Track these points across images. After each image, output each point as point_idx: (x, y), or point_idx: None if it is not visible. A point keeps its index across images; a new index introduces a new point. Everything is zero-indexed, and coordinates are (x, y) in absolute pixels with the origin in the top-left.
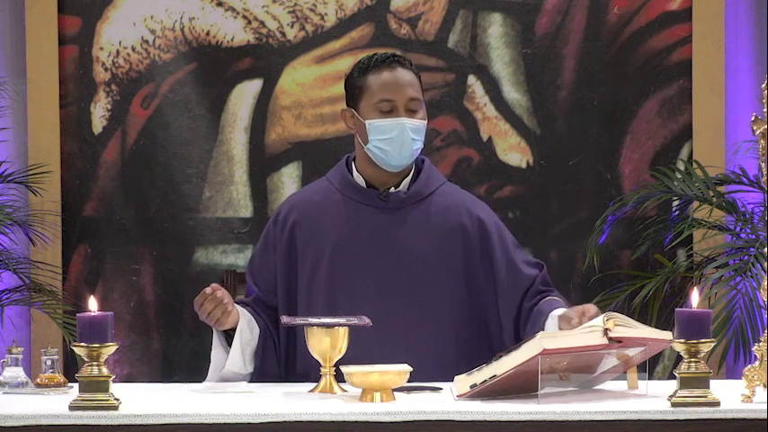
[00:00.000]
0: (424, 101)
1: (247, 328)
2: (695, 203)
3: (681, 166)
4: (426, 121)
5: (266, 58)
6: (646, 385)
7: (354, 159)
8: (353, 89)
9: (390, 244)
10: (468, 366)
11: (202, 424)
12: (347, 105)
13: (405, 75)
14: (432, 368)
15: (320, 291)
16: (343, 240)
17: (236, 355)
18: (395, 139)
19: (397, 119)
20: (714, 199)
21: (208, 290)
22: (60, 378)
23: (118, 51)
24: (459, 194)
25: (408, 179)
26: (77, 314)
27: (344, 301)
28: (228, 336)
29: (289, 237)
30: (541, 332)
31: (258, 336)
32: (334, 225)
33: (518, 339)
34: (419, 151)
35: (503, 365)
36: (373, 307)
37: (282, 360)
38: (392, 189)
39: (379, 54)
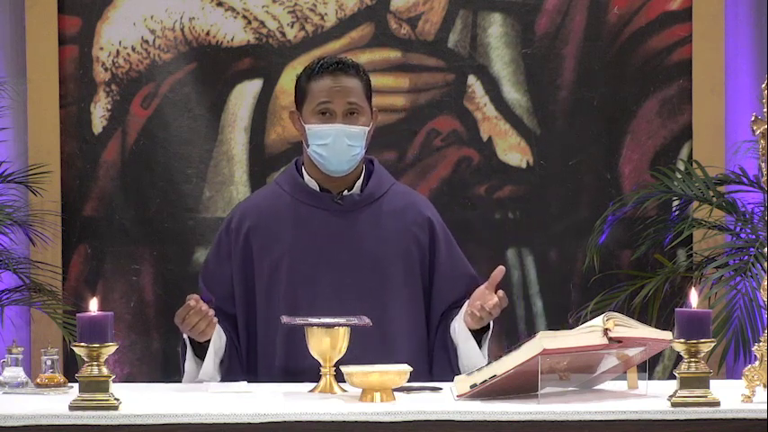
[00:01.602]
0: (370, 107)
1: (218, 337)
2: (695, 203)
3: (681, 166)
4: (369, 127)
5: (266, 58)
6: (646, 385)
7: (304, 164)
8: (298, 92)
9: (347, 245)
10: (417, 366)
11: (202, 424)
12: (296, 108)
13: (347, 81)
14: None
15: (280, 295)
16: (300, 244)
17: (209, 365)
18: (331, 145)
19: (332, 124)
20: (714, 199)
21: (192, 302)
22: (60, 378)
23: (118, 51)
24: (410, 195)
25: (360, 181)
26: (77, 314)
27: (306, 305)
28: (196, 345)
29: (243, 244)
30: (541, 332)
31: (225, 343)
32: (290, 230)
33: (431, 335)
34: (359, 157)
35: (503, 365)
36: (335, 309)
37: (245, 365)
38: (345, 191)
39: (325, 58)
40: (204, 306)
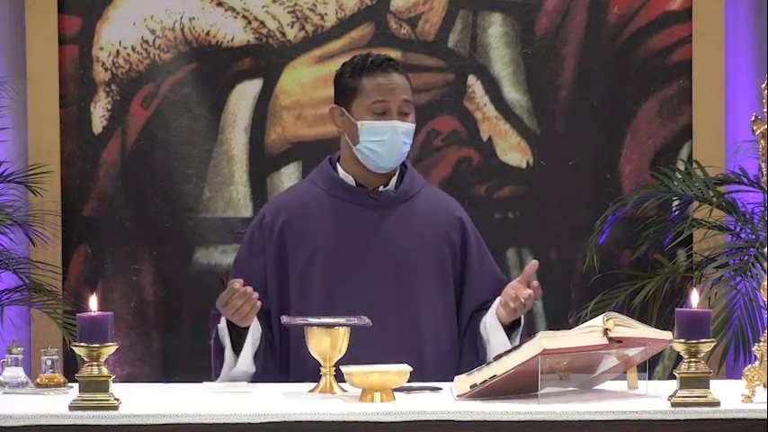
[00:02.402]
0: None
1: (255, 327)
2: (695, 203)
3: (681, 166)
4: (415, 125)
5: (266, 58)
6: (646, 385)
7: (339, 159)
8: (345, 89)
9: (382, 241)
10: (446, 363)
11: (202, 424)
12: (336, 103)
13: (399, 79)
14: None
15: (315, 290)
16: (334, 239)
17: (247, 355)
18: (387, 142)
19: (390, 121)
20: (714, 199)
21: (236, 285)
22: (60, 378)
23: (118, 51)
24: (442, 196)
25: (395, 179)
26: (77, 314)
27: (341, 299)
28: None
29: (278, 239)
30: (541, 332)
31: (260, 335)
32: (324, 224)
33: (460, 334)
34: (407, 154)
35: (503, 365)
36: (368, 304)
37: (278, 362)
38: (381, 188)
39: (373, 56)
40: (249, 289)
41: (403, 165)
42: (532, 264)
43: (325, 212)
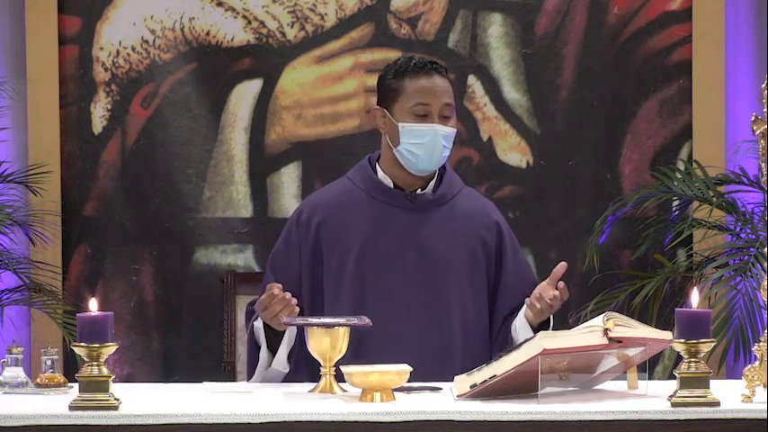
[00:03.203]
0: (455, 108)
1: (291, 328)
2: (695, 203)
3: (681, 166)
4: (456, 130)
5: (266, 58)
6: (646, 385)
7: (378, 159)
8: (388, 90)
9: (417, 244)
10: (477, 366)
11: (202, 424)
12: (378, 104)
13: (441, 82)
14: (437, 365)
15: (348, 289)
16: (370, 239)
17: (282, 354)
18: (427, 144)
19: (431, 125)
20: (714, 199)
21: (276, 291)
22: (60, 378)
23: (118, 51)
24: (479, 199)
25: (433, 182)
26: (77, 314)
27: (374, 300)
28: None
29: (315, 237)
30: (541, 332)
31: (295, 335)
32: (361, 224)
33: (494, 337)
34: (447, 158)
35: (503, 365)
36: (400, 306)
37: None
38: (418, 190)
39: (417, 58)
40: (288, 294)
41: (442, 167)
42: (561, 266)
43: (362, 212)
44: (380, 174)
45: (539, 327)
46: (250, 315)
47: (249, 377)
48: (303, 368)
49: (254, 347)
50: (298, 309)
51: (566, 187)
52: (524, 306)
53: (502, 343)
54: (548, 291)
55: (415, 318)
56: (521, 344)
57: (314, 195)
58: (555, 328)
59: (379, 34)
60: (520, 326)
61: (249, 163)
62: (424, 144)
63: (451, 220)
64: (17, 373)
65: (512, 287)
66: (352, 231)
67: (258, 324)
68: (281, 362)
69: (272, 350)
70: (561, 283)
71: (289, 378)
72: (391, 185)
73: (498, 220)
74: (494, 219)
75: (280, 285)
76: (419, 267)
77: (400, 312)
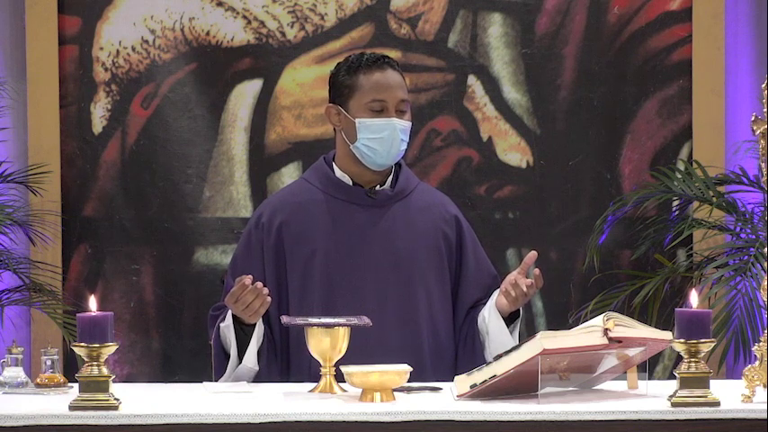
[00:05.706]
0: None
1: (258, 324)
2: (695, 203)
3: (681, 166)
4: (411, 123)
5: (266, 58)
6: (646, 385)
7: (334, 158)
8: (342, 87)
9: (379, 240)
10: (444, 361)
11: (202, 424)
12: (332, 102)
13: (395, 76)
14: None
15: (315, 289)
16: (333, 238)
17: (252, 352)
18: (386, 139)
19: (388, 119)
20: (714, 199)
21: (247, 281)
22: (60, 378)
23: (118, 51)
24: (436, 194)
25: (391, 177)
26: (77, 314)
27: (341, 298)
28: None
29: (276, 238)
30: (541, 332)
31: (264, 332)
32: (323, 224)
33: (457, 330)
34: (404, 151)
35: (503, 365)
36: (367, 303)
37: (280, 359)
38: (377, 187)
39: (368, 54)
40: (259, 284)
41: (397, 164)
42: (531, 254)
43: (323, 212)
44: (338, 172)
45: (508, 319)
46: (213, 320)
47: (216, 379)
48: (274, 364)
49: (220, 350)
50: (269, 299)
51: (566, 187)
52: (494, 295)
53: (467, 336)
54: (522, 278)
55: (382, 314)
56: (521, 344)
57: (272, 197)
58: (554, 329)
59: (379, 34)
60: (489, 315)
61: (249, 163)
62: (382, 138)
63: (411, 215)
64: (17, 373)
65: (473, 280)
66: (315, 231)
67: (227, 322)
68: (250, 360)
69: (241, 349)
70: (536, 270)
71: (260, 377)
72: (350, 183)
73: (456, 214)
74: (452, 212)
75: (251, 276)
76: (384, 263)
77: (368, 309)
